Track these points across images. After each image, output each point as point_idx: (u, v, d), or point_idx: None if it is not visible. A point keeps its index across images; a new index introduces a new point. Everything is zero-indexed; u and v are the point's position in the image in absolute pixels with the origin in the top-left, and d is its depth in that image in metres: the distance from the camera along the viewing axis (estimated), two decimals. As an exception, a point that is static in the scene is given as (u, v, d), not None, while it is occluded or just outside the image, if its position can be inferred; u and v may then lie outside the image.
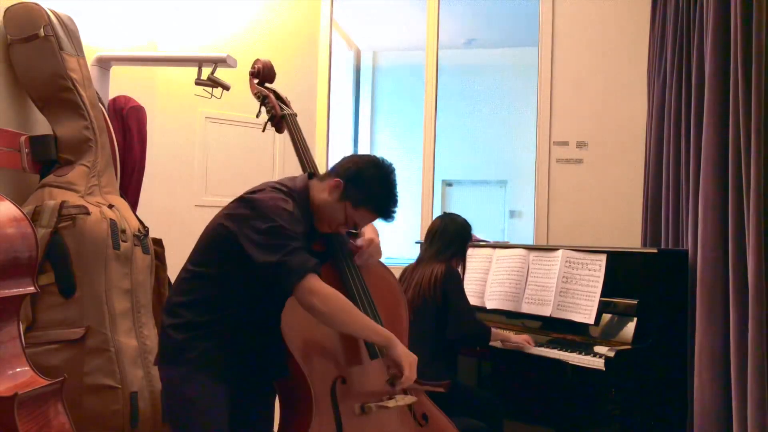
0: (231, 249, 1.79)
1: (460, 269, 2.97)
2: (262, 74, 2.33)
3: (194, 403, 1.81)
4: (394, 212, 1.94)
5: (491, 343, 2.82)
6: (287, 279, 1.72)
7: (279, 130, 2.29)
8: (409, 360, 1.84)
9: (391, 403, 1.86)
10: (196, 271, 1.87)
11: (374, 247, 2.04)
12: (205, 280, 1.85)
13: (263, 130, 2.32)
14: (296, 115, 2.26)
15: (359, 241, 2.03)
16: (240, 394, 1.88)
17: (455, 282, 2.75)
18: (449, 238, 2.86)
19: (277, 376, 1.93)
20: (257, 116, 2.30)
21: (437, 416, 2.03)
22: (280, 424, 1.95)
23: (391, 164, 1.95)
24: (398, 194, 1.93)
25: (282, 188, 1.87)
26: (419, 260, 2.90)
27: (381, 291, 2.05)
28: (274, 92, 2.31)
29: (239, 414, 1.89)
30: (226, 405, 1.84)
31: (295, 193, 1.88)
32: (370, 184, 1.89)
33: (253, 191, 1.87)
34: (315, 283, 1.74)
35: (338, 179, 1.89)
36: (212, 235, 1.88)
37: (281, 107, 2.25)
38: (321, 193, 1.91)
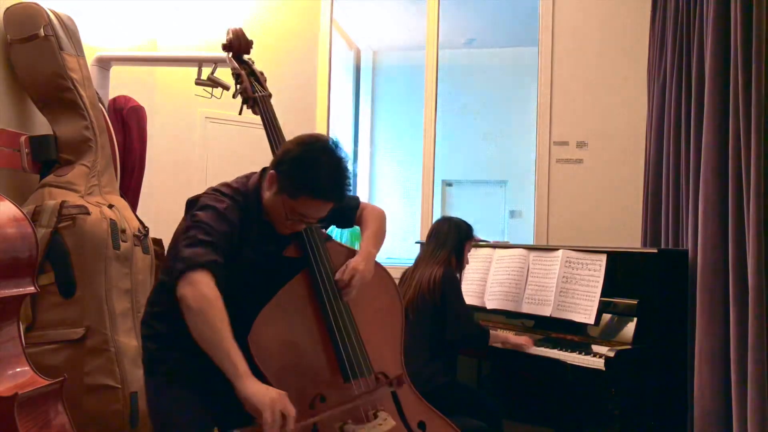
0: None
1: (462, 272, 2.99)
2: (235, 45, 2.11)
3: (165, 415, 1.78)
4: (337, 191, 1.70)
5: (491, 344, 2.82)
6: (174, 265, 1.59)
7: (255, 112, 2.08)
8: (267, 402, 1.49)
9: (365, 429, 1.71)
10: (163, 280, 1.83)
11: (357, 276, 1.82)
12: (169, 289, 1.75)
13: (239, 113, 2.13)
14: (270, 96, 2.07)
15: (338, 274, 1.82)
16: (222, 404, 1.77)
17: (454, 285, 2.76)
18: (443, 237, 2.88)
19: None
20: (234, 97, 2.11)
21: (435, 422, 1.93)
22: None
23: (327, 139, 1.74)
24: (343, 169, 1.69)
25: (225, 190, 1.75)
26: (417, 261, 2.92)
27: (371, 293, 1.92)
28: (249, 69, 2.11)
29: (228, 421, 1.80)
30: (201, 416, 1.75)
31: (242, 194, 1.75)
32: (298, 167, 1.66)
33: (199, 195, 1.79)
34: (198, 277, 1.56)
35: (272, 170, 1.71)
36: (171, 243, 1.83)
37: (254, 88, 2.05)
38: (266, 190, 1.75)
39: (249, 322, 1.69)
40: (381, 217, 2.04)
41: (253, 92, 2.04)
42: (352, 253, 1.92)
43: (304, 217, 1.71)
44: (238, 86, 2.08)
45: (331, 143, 1.72)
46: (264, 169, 1.82)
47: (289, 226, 1.75)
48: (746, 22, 2.37)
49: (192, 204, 1.77)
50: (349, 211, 2.03)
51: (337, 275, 1.83)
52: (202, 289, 1.56)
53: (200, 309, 1.56)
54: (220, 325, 1.55)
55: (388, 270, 2.03)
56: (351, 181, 1.74)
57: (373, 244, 1.94)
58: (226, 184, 1.79)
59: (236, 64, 2.10)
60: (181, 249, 1.62)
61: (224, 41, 2.12)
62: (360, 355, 1.81)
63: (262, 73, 2.13)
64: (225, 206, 1.69)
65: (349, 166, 1.75)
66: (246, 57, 2.15)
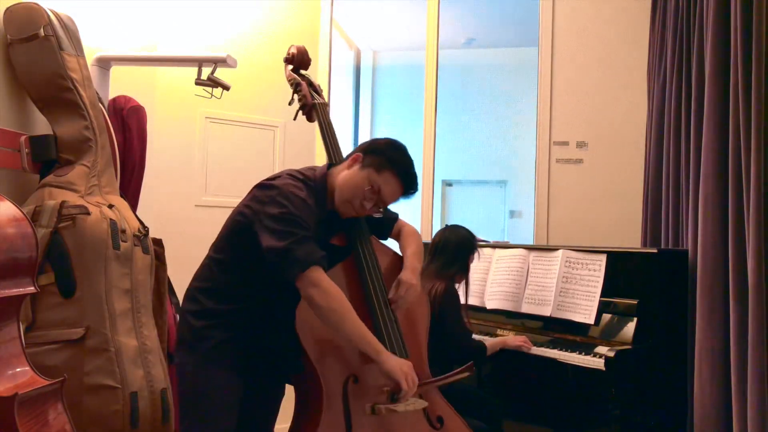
0: (247, 236, 1.80)
1: (463, 283, 2.96)
2: (296, 60, 2.32)
3: (202, 394, 1.84)
4: (413, 183, 1.93)
5: (490, 354, 2.81)
6: (290, 268, 1.71)
7: (310, 119, 2.28)
8: (402, 372, 1.79)
9: (400, 407, 1.83)
10: (216, 257, 1.91)
11: (411, 291, 1.98)
12: (224, 267, 1.88)
13: (294, 118, 2.31)
14: (327, 105, 2.26)
15: (392, 292, 1.97)
16: (251, 387, 1.90)
17: (453, 303, 2.74)
18: (452, 252, 2.85)
19: (292, 372, 1.94)
20: (290, 104, 2.30)
21: (453, 419, 2.01)
22: (292, 420, 1.97)
23: None
24: (415, 171, 1.94)
25: (298, 176, 1.88)
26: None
27: None
28: (308, 80, 2.29)
29: (246, 407, 1.91)
30: (235, 397, 1.85)
31: (312, 181, 1.89)
32: (388, 150, 1.91)
33: (271, 178, 1.89)
34: (318, 275, 1.73)
35: (357, 153, 1.92)
36: (231, 222, 1.91)
37: (313, 96, 2.23)
38: (341, 173, 1.91)
39: (293, 300, 1.80)
40: (419, 236, 2.18)
41: (312, 99, 2.22)
42: (391, 251, 2.07)
43: (378, 195, 1.87)
44: (296, 95, 2.27)
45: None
46: (329, 165, 2.00)
47: (357, 206, 1.88)
48: (746, 22, 2.37)
49: (266, 187, 1.83)
50: (389, 222, 2.13)
51: (391, 292, 1.95)
52: (326, 288, 1.73)
53: (331, 307, 1.73)
54: (350, 316, 1.75)
55: None
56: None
57: (418, 260, 2.08)
58: (298, 171, 1.92)
59: (294, 75, 2.30)
60: (289, 247, 1.71)
61: (286, 55, 2.32)
62: (399, 336, 1.93)
63: (319, 85, 2.33)
64: (305, 194, 1.82)
65: None
66: (303, 72, 2.33)
